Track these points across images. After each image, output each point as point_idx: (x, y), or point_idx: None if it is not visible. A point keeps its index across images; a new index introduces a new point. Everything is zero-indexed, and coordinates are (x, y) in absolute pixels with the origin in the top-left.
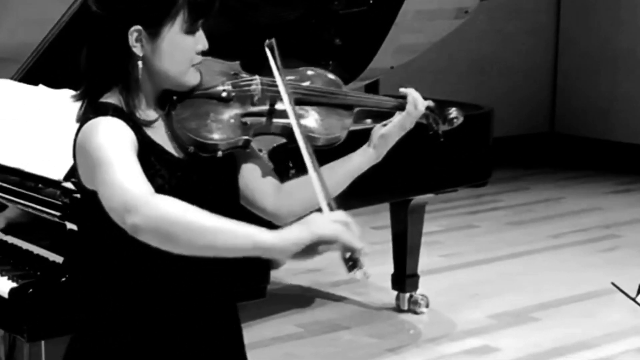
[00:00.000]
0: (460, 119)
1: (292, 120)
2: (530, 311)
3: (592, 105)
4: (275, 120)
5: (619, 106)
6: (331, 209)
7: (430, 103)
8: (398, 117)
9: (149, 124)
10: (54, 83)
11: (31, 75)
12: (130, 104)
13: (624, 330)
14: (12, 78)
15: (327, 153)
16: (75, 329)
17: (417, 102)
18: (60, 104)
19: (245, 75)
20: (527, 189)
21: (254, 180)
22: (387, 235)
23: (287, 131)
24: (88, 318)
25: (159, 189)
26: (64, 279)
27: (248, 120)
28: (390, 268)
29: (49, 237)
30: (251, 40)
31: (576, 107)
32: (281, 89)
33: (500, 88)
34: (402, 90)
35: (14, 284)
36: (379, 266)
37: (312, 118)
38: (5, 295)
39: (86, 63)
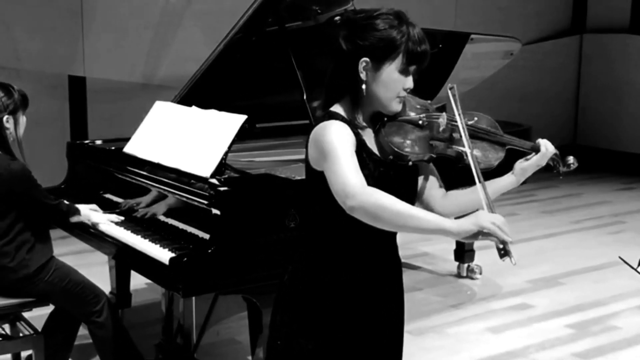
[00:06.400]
0: (576, 165)
1: (466, 148)
2: (557, 278)
3: (605, 123)
4: (453, 146)
5: (626, 124)
6: (491, 211)
7: (557, 151)
8: (535, 156)
9: (363, 128)
10: (204, 105)
11: (186, 99)
12: (354, 114)
13: (628, 292)
14: (172, 101)
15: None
16: (218, 288)
17: (548, 147)
18: (208, 121)
19: (435, 111)
20: (556, 186)
21: (430, 187)
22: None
23: (459, 155)
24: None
25: (366, 177)
26: (210, 251)
27: (434, 142)
28: (452, 244)
29: (199, 219)
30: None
31: (593, 125)
32: (460, 124)
33: (534, 110)
34: (539, 140)
35: (173, 254)
36: (445, 243)
37: (478, 149)
38: (167, 263)
39: (328, 80)
